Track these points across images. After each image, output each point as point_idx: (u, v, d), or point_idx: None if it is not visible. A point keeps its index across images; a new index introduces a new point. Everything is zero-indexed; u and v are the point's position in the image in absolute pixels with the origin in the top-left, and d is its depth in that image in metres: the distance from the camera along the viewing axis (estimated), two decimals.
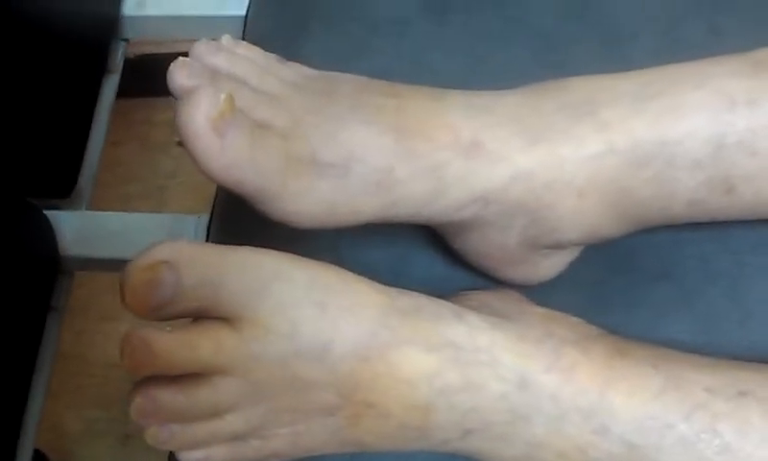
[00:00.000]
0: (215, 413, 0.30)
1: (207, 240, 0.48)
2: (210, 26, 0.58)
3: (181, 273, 0.28)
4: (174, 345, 0.28)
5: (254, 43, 0.52)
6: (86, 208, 0.58)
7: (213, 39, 0.35)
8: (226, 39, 0.35)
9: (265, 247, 0.32)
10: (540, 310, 0.36)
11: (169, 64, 0.32)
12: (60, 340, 0.55)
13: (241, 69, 0.34)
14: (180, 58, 0.32)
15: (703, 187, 0.35)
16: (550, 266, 0.39)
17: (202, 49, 0.33)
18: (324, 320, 0.30)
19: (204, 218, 0.52)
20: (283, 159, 0.32)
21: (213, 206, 0.49)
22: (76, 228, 0.53)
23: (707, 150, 0.34)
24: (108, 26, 0.57)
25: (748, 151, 0.34)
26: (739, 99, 0.34)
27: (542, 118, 0.35)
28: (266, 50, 0.49)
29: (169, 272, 0.28)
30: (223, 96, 0.30)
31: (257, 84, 0.34)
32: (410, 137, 0.34)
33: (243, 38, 0.54)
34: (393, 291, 0.32)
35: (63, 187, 0.53)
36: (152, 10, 0.59)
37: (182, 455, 0.30)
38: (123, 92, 0.63)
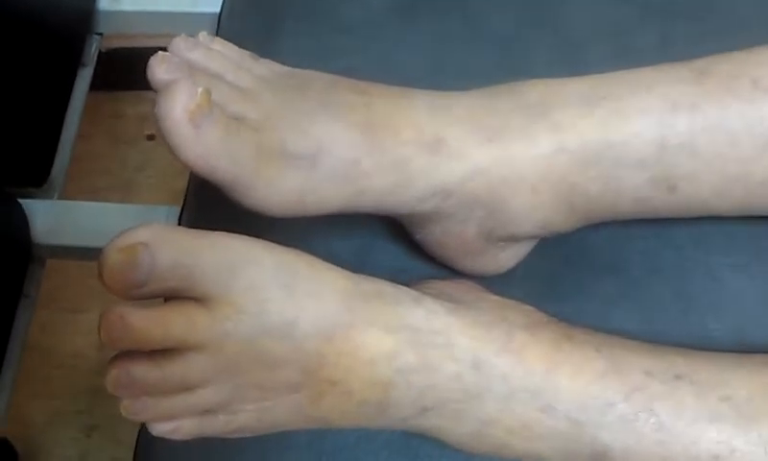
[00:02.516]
0: (186, 387, 0.31)
1: None
2: (184, 22, 0.60)
3: (157, 254, 0.30)
4: (149, 321, 0.30)
5: (228, 40, 0.54)
6: (59, 198, 0.59)
7: (190, 36, 0.36)
8: (202, 36, 0.36)
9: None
10: (495, 298, 0.38)
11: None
12: (30, 328, 0.56)
13: (217, 65, 0.36)
14: (160, 52, 0.33)
15: (647, 185, 0.37)
16: (507, 258, 0.41)
17: (180, 45, 0.35)
18: (291, 301, 0.32)
19: (175, 209, 0.53)
20: (255, 150, 0.34)
21: (185, 197, 0.51)
22: (49, 216, 0.54)
23: (650, 150, 0.36)
24: (84, 20, 0.59)
25: (689, 153, 0.36)
26: (682, 103, 0.36)
27: (499, 118, 0.37)
28: (238, 47, 0.50)
29: (145, 253, 0.30)
30: (200, 90, 0.32)
31: (232, 80, 0.35)
32: (377, 133, 0.36)
33: (216, 36, 0.56)
34: (356, 277, 0.34)
35: (37, 177, 0.54)
36: (127, 5, 0.60)
37: (153, 427, 0.32)
38: (92, 86, 0.64)
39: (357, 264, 0.44)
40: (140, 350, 0.31)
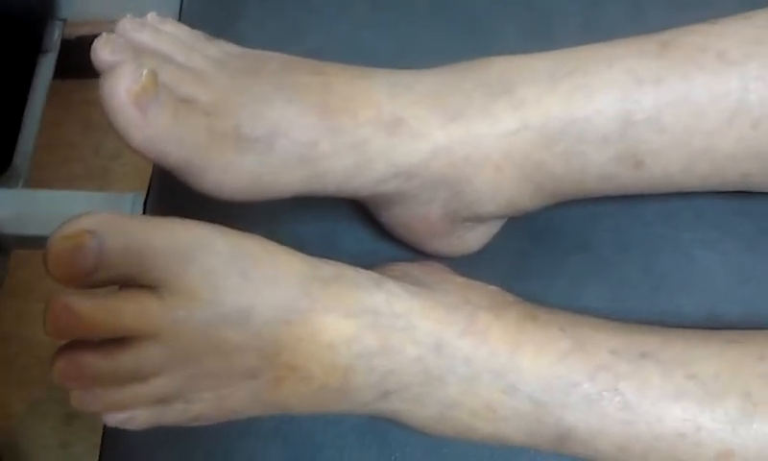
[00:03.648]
0: (139, 377, 0.31)
1: None
2: (147, 5, 0.58)
3: (105, 241, 0.29)
4: (96, 310, 0.29)
5: (191, 22, 0.52)
6: (23, 187, 0.58)
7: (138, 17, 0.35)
8: (151, 17, 0.35)
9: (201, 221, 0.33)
10: (460, 279, 0.37)
11: None
12: (1, 319, 0.55)
13: (166, 46, 0.35)
14: (104, 34, 0.32)
15: (612, 162, 0.37)
16: (473, 238, 0.41)
17: (126, 26, 0.34)
18: (247, 287, 0.31)
19: (141, 196, 0.52)
20: (207, 134, 0.33)
21: (149, 183, 0.50)
22: (12, 206, 0.53)
23: (614, 126, 0.36)
24: (43, 5, 0.57)
25: (655, 128, 0.36)
26: (646, 78, 0.36)
27: (461, 96, 0.36)
28: (201, 29, 0.49)
29: (92, 240, 0.29)
30: (145, 71, 0.31)
31: (183, 61, 0.34)
32: (334, 114, 0.35)
33: (179, 17, 0.54)
34: (316, 261, 0.33)
35: None
36: None
37: (106, 417, 0.31)
38: (64, 73, 0.62)
39: (324, 247, 0.44)
40: (89, 339, 0.30)
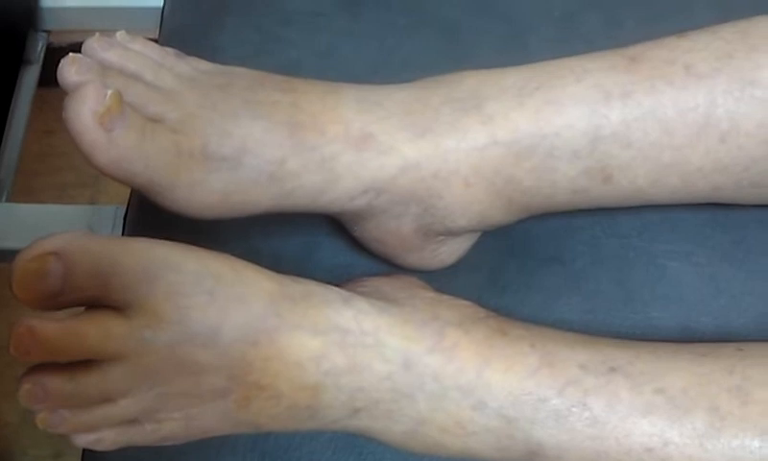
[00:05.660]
0: (106, 398, 0.31)
1: (124, 231, 0.49)
2: (128, 17, 0.59)
3: (70, 263, 0.29)
4: (60, 333, 0.29)
5: (170, 35, 0.53)
6: (8, 200, 0.58)
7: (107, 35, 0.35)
8: (120, 35, 0.35)
9: (180, 236, 0.33)
10: (430, 295, 0.37)
11: None
12: None
13: (135, 64, 0.35)
14: (71, 54, 0.33)
15: (582, 177, 0.37)
16: (448, 252, 0.41)
17: (94, 45, 0.34)
18: (214, 307, 0.31)
19: (123, 209, 0.53)
20: (174, 153, 0.33)
21: (129, 197, 0.50)
22: None
23: (583, 141, 0.36)
24: (25, 17, 0.58)
25: (623, 142, 0.36)
26: (614, 93, 0.36)
27: (430, 111, 0.36)
28: (181, 41, 0.49)
29: (56, 262, 0.29)
30: (109, 92, 0.31)
31: (152, 80, 0.35)
32: (302, 131, 0.35)
33: (160, 30, 0.55)
34: (284, 278, 0.34)
35: None
36: (70, 1, 0.59)
37: (75, 438, 0.31)
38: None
39: (301, 261, 0.44)
40: (54, 362, 0.30)
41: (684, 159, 0.36)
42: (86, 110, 0.30)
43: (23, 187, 0.68)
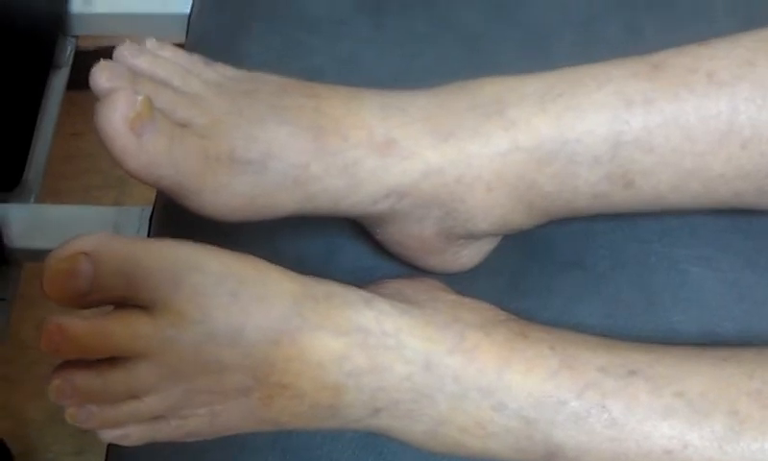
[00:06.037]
0: (132, 394, 0.32)
1: (150, 231, 0.50)
2: (156, 23, 0.60)
3: (99, 263, 0.30)
4: (88, 331, 0.30)
5: (196, 41, 0.54)
6: (35, 201, 0.59)
7: (139, 42, 0.36)
8: (150, 42, 0.36)
9: (205, 237, 0.34)
10: (451, 297, 0.38)
11: None
12: (8, 329, 0.57)
13: (164, 71, 0.35)
14: (102, 60, 0.33)
15: (603, 182, 0.37)
16: (469, 255, 0.41)
17: (124, 52, 0.35)
18: (237, 307, 0.32)
19: (149, 210, 0.54)
20: (201, 157, 0.34)
21: (155, 198, 0.51)
22: (23, 220, 0.55)
23: (605, 147, 0.36)
24: (55, 23, 0.59)
25: (644, 148, 0.36)
26: (636, 99, 0.36)
27: (453, 117, 0.37)
28: (207, 47, 0.50)
29: (86, 262, 0.30)
30: (140, 98, 0.32)
31: (180, 86, 0.35)
32: (326, 136, 0.36)
33: (186, 36, 0.56)
34: (306, 279, 0.34)
35: (8, 181, 0.54)
36: (99, 7, 0.61)
37: (102, 434, 0.32)
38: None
39: (324, 263, 0.45)
40: (83, 359, 0.31)
41: (706, 166, 0.36)
42: (118, 116, 0.31)
43: (49, 189, 0.69)
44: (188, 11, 0.57)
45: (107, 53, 0.35)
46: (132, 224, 0.54)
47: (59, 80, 0.61)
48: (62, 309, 0.31)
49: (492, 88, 0.38)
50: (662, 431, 0.33)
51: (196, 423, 0.33)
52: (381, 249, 0.42)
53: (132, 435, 0.32)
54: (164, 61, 0.36)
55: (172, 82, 0.35)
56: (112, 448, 0.44)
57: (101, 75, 0.33)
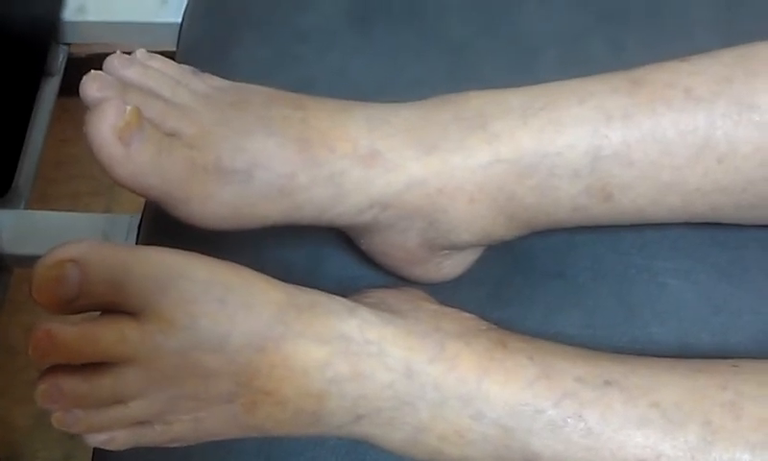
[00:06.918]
0: (118, 399, 0.32)
1: (138, 239, 0.51)
2: (148, 32, 0.60)
3: (86, 270, 0.31)
4: (76, 337, 0.31)
5: (188, 50, 0.55)
6: (25, 207, 0.59)
7: (127, 53, 0.37)
8: (140, 53, 0.37)
9: (193, 245, 0.34)
10: (433, 307, 0.38)
11: None
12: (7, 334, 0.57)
13: (153, 82, 0.36)
14: (93, 70, 0.34)
15: (583, 195, 0.38)
16: (452, 266, 0.42)
17: (114, 63, 0.36)
18: (223, 314, 0.32)
19: (138, 218, 0.54)
20: (189, 167, 0.34)
21: (144, 206, 0.52)
22: (13, 226, 0.55)
23: (585, 161, 0.37)
24: (47, 30, 0.59)
25: (624, 162, 0.37)
26: (615, 114, 0.37)
27: (437, 129, 0.37)
28: (198, 56, 0.51)
29: (74, 269, 0.31)
30: (128, 108, 0.32)
31: (169, 96, 0.36)
32: (312, 147, 0.36)
33: (177, 45, 0.56)
34: (291, 288, 0.35)
35: None
36: (92, 15, 0.61)
37: (87, 438, 0.33)
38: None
39: (309, 272, 0.45)
40: (70, 364, 0.31)
41: (684, 179, 0.37)
42: (106, 125, 0.32)
43: (38, 194, 0.69)
44: (180, 20, 0.58)
45: (98, 60, 0.36)
46: (122, 232, 0.55)
47: (50, 87, 0.62)
48: (51, 315, 0.32)
49: (475, 102, 0.38)
50: (636, 441, 0.34)
51: (180, 428, 0.33)
52: (366, 259, 0.43)
53: (117, 439, 0.33)
54: (154, 72, 0.36)
55: (161, 92, 0.36)
56: (98, 453, 0.45)
57: (91, 85, 0.33)
